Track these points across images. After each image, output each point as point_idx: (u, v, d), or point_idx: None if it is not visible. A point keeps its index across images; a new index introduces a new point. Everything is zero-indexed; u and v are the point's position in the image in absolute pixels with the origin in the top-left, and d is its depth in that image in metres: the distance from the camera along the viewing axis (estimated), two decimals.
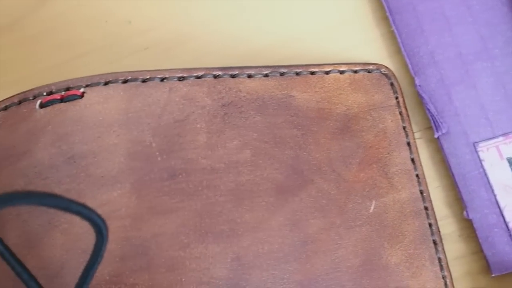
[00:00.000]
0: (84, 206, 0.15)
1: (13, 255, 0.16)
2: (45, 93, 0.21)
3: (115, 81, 0.21)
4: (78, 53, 0.28)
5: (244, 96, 0.22)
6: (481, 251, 0.23)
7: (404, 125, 0.24)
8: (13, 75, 0.28)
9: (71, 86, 0.21)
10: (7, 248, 0.16)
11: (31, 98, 0.21)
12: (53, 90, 0.21)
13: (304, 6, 0.27)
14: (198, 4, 0.28)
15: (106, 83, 0.21)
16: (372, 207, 0.22)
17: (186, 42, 0.27)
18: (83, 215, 0.15)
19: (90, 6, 0.28)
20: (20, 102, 0.21)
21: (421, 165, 0.24)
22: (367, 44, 0.26)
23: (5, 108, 0.21)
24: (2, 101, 0.21)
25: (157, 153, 0.20)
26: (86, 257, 0.19)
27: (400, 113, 0.24)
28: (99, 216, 0.15)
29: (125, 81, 0.21)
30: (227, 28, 0.27)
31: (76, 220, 0.20)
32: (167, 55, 0.27)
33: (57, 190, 0.20)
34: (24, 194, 0.14)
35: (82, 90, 0.21)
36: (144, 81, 0.21)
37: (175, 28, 0.28)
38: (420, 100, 0.25)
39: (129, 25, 0.28)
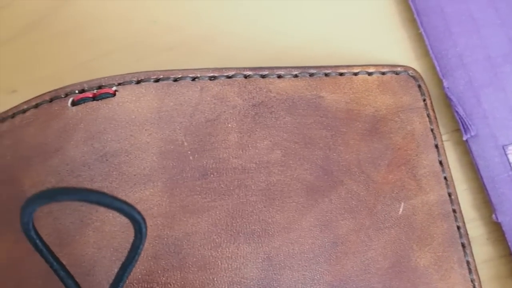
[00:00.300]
0: (126, 202, 0.14)
1: (51, 252, 0.16)
2: (77, 91, 0.21)
3: (147, 80, 0.21)
4: (102, 51, 0.28)
5: (274, 97, 0.22)
6: (510, 254, 0.23)
7: (432, 127, 0.24)
8: (38, 73, 0.28)
9: (103, 84, 0.21)
10: (45, 245, 0.15)
11: (62, 96, 0.21)
12: (85, 88, 0.21)
13: (331, 8, 0.27)
14: (223, 5, 0.28)
15: (138, 82, 0.21)
16: (401, 209, 0.22)
17: (211, 43, 0.27)
18: (124, 212, 0.15)
19: (116, 5, 0.28)
20: (51, 100, 0.21)
21: (449, 167, 0.24)
22: (394, 46, 0.26)
23: (36, 106, 0.21)
24: (33, 98, 0.21)
25: (189, 152, 0.20)
26: (119, 255, 0.19)
27: (428, 115, 0.24)
28: (139, 213, 0.15)
29: (157, 80, 0.21)
30: (252, 29, 0.27)
31: (108, 218, 0.20)
32: (192, 55, 0.27)
33: (90, 188, 0.20)
34: (66, 189, 0.14)
35: (114, 88, 0.21)
36: (175, 80, 0.21)
37: (200, 29, 0.28)
38: (447, 103, 0.25)
39: (154, 25, 0.28)
